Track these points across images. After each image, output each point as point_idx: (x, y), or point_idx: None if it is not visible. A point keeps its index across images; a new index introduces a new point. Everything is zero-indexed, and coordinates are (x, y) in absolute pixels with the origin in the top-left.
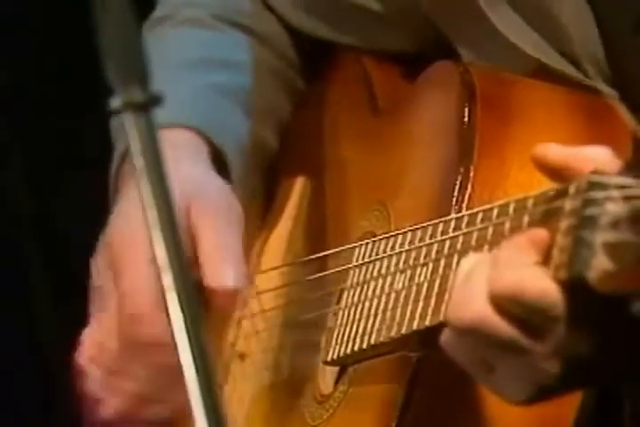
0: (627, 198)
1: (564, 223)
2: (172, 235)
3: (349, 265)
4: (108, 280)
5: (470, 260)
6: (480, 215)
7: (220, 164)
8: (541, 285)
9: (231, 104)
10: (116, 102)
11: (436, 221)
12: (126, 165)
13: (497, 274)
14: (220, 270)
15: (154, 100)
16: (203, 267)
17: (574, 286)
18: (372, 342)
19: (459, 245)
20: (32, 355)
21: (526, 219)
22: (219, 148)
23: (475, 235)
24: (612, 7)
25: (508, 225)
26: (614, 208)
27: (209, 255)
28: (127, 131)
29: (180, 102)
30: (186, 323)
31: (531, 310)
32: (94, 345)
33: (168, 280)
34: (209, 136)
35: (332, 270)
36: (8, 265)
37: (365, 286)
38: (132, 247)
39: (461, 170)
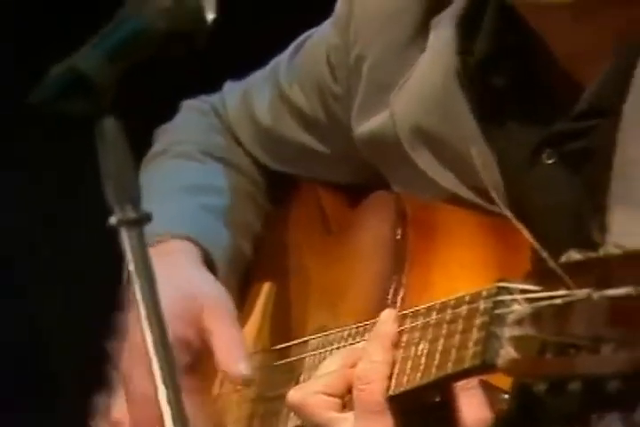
0: (529, 300)
1: (478, 320)
2: (158, 326)
3: (306, 354)
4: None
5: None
6: (411, 314)
7: (208, 266)
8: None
9: (216, 220)
10: (113, 220)
11: (374, 320)
12: None
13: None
14: (237, 364)
15: (144, 218)
16: (222, 362)
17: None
18: None
19: None
20: None
21: (448, 316)
22: (208, 253)
23: (407, 330)
24: (508, 146)
25: (433, 322)
26: (519, 308)
27: (225, 351)
28: (122, 242)
29: (176, 218)
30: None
31: None
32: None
33: (155, 364)
34: (200, 244)
35: (293, 358)
36: None
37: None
38: None
39: (395, 278)
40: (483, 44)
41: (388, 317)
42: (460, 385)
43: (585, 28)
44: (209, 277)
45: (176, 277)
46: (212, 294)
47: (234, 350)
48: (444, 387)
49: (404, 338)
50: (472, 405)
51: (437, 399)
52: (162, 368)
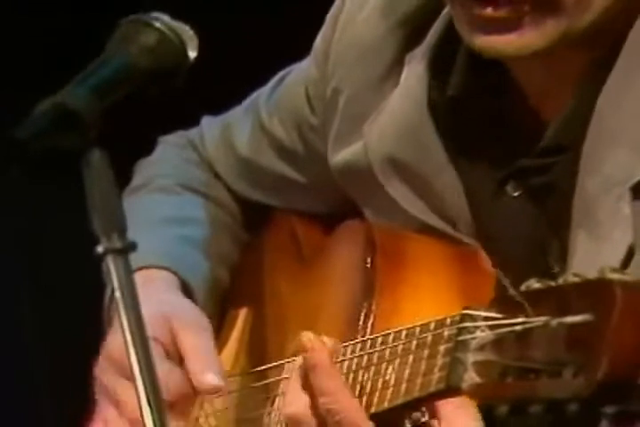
0: (491, 327)
1: (442, 347)
2: (143, 349)
3: (281, 376)
4: (112, 382)
5: None
6: (379, 340)
7: (187, 295)
8: None
9: (193, 250)
10: (100, 249)
11: (345, 344)
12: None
13: None
14: (206, 373)
15: (130, 247)
16: (192, 372)
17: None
18: None
19: (363, 363)
20: None
21: (414, 342)
22: (186, 282)
23: (375, 355)
24: (476, 178)
25: (400, 347)
26: (481, 335)
27: (197, 363)
28: (108, 270)
29: (155, 250)
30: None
31: None
32: None
33: (139, 383)
34: (179, 274)
35: (268, 380)
36: None
37: None
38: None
39: (365, 304)
40: (455, 80)
41: (309, 345)
42: (442, 404)
43: (550, 69)
44: (185, 300)
45: (152, 300)
46: (185, 313)
47: (203, 360)
48: (416, 409)
49: (375, 360)
50: (456, 424)
51: (423, 420)
52: (147, 390)
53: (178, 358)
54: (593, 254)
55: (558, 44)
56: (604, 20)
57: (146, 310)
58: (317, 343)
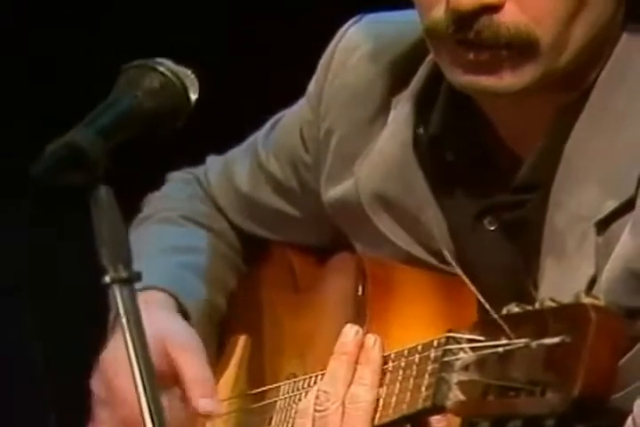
0: (474, 349)
1: (429, 367)
2: (146, 369)
3: (277, 398)
4: (104, 392)
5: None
6: None
7: (183, 316)
8: None
9: (191, 275)
10: (107, 278)
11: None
12: (117, 322)
13: None
14: (202, 400)
15: (135, 277)
16: (189, 395)
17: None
18: None
19: None
20: None
21: (403, 364)
22: (182, 304)
23: None
24: (457, 212)
25: (390, 369)
26: (465, 356)
27: (192, 387)
28: (115, 299)
29: (154, 274)
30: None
31: None
32: None
33: (142, 399)
34: (175, 295)
35: (266, 401)
36: None
37: (287, 413)
38: (121, 371)
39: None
40: (436, 122)
41: (372, 342)
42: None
43: (522, 110)
44: (180, 321)
45: (149, 319)
46: (179, 334)
47: (196, 383)
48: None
49: None
50: None
51: None
52: (150, 410)
53: (171, 379)
54: (560, 283)
55: (535, 85)
56: (577, 66)
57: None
58: (379, 343)
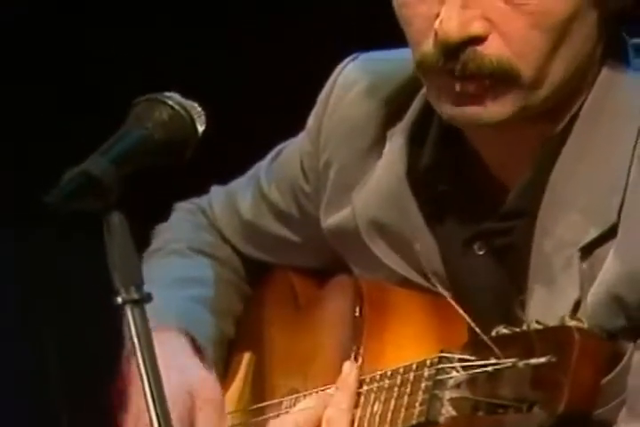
0: (465, 368)
1: (423, 384)
2: (158, 394)
3: (279, 412)
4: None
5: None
6: (368, 379)
7: (195, 349)
8: None
9: (202, 309)
10: (119, 300)
11: (334, 385)
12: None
13: None
14: None
15: (146, 298)
16: None
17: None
18: None
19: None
20: None
21: (398, 382)
22: (195, 339)
23: (364, 392)
24: (448, 239)
25: (387, 385)
26: (457, 375)
27: None
28: (126, 319)
29: (167, 311)
30: None
31: None
32: None
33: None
34: (189, 332)
35: (268, 415)
36: None
37: None
38: None
39: (354, 348)
40: (428, 152)
41: (350, 369)
42: None
43: (507, 141)
44: (197, 363)
45: (169, 367)
46: (206, 389)
47: None
48: None
49: (362, 399)
50: None
51: None
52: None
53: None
54: (547, 305)
55: (518, 115)
56: (559, 97)
57: (170, 378)
58: (355, 370)
